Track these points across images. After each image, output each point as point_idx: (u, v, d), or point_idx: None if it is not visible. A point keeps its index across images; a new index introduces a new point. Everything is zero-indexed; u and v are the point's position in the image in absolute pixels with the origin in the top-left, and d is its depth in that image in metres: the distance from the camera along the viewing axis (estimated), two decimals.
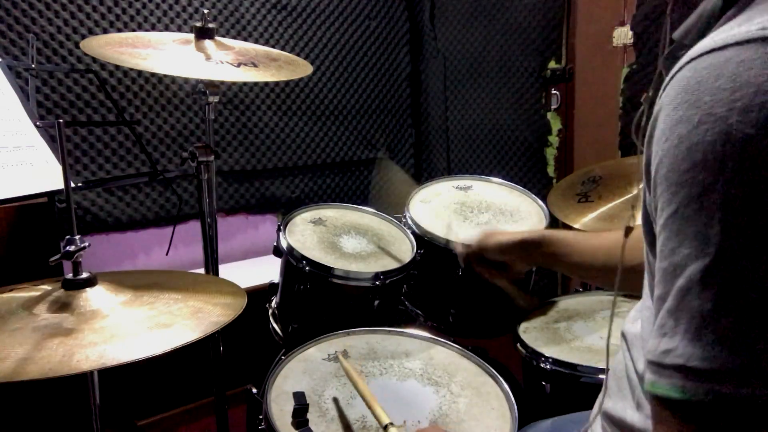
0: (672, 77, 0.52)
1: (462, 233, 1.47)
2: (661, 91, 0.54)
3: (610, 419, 0.77)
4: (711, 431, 0.47)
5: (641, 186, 0.62)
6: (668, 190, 0.50)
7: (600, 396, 0.81)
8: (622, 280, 0.77)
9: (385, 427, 0.95)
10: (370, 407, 1.00)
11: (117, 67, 2.28)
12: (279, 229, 1.57)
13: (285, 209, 2.81)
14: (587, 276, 1.33)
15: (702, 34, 0.54)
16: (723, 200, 0.46)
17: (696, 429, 0.48)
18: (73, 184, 1.25)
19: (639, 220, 0.64)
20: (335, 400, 1.13)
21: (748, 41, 0.47)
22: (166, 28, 2.40)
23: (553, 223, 1.72)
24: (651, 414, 0.52)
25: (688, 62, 0.51)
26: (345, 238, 1.62)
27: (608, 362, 0.82)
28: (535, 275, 1.69)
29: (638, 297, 0.76)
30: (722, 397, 0.46)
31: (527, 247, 1.26)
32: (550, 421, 1.10)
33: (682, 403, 0.48)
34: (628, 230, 0.76)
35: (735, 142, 0.45)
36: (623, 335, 0.78)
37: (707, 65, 0.49)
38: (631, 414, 0.71)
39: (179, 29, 2.42)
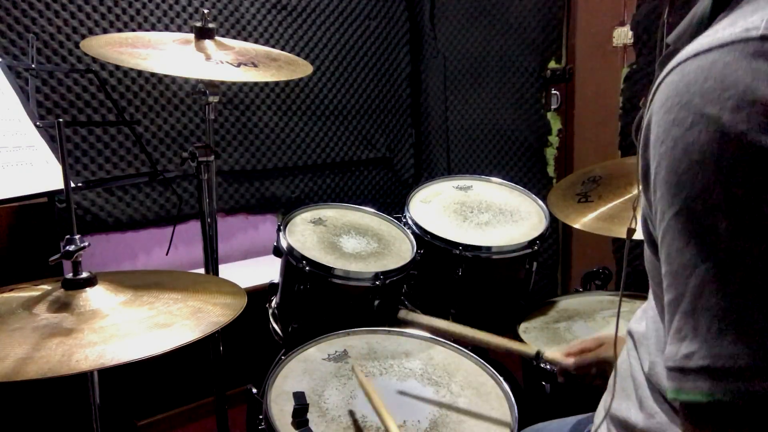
0: (661, 82, 0.53)
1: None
2: (650, 95, 0.54)
3: (614, 419, 0.76)
4: (745, 431, 0.46)
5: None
6: (669, 192, 0.50)
7: (605, 398, 0.81)
8: None
9: None
10: (381, 418, 1.01)
11: (117, 67, 2.27)
12: (279, 229, 1.57)
13: (285, 209, 2.81)
14: None
15: (693, 37, 0.55)
16: (725, 198, 0.46)
17: (729, 430, 0.47)
18: (73, 184, 1.25)
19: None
20: (335, 401, 1.13)
21: (732, 43, 0.48)
22: (166, 28, 2.40)
23: (553, 222, 1.72)
24: (681, 421, 0.51)
25: (676, 66, 0.51)
26: (345, 238, 1.62)
27: (615, 365, 0.82)
28: (535, 275, 1.69)
29: (642, 297, 0.76)
30: (752, 395, 0.45)
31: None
32: (552, 423, 1.10)
33: (711, 405, 0.47)
34: (630, 232, 0.76)
35: (729, 139, 0.46)
36: (629, 334, 0.78)
37: (694, 68, 0.49)
38: (635, 414, 0.71)
39: (179, 29, 2.42)
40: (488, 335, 1.30)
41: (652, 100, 0.54)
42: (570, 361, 1.18)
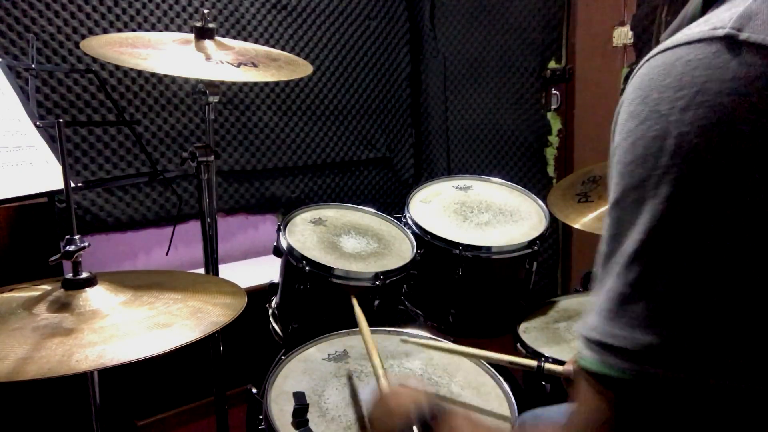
0: (634, 74, 0.54)
1: None
2: (626, 87, 0.55)
3: None
4: (627, 403, 0.49)
5: None
6: (613, 181, 0.53)
7: None
8: None
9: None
10: (370, 355, 1.04)
11: (117, 67, 2.27)
12: (279, 229, 1.57)
13: (285, 209, 2.81)
14: None
15: None
16: (653, 194, 0.48)
17: (613, 399, 0.50)
18: (73, 184, 1.25)
19: None
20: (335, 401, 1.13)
21: (698, 41, 0.48)
22: (166, 28, 2.40)
23: (553, 222, 1.72)
24: (575, 387, 0.54)
25: (647, 60, 0.52)
26: (345, 238, 1.62)
27: None
28: (535, 275, 1.69)
29: None
30: (629, 374, 0.48)
31: None
32: (551, 408, 1.10)
33: (602, 377, 0.50)
34: None
35: (670, 138, 0.47)
36: None
37: (660, 63, 0.50)
38: None
39: (179, 29, 2.42)
40: (490, 352, 1.30)
41: (623, 91, 0.55)
42: (569, 369, 1.20)
